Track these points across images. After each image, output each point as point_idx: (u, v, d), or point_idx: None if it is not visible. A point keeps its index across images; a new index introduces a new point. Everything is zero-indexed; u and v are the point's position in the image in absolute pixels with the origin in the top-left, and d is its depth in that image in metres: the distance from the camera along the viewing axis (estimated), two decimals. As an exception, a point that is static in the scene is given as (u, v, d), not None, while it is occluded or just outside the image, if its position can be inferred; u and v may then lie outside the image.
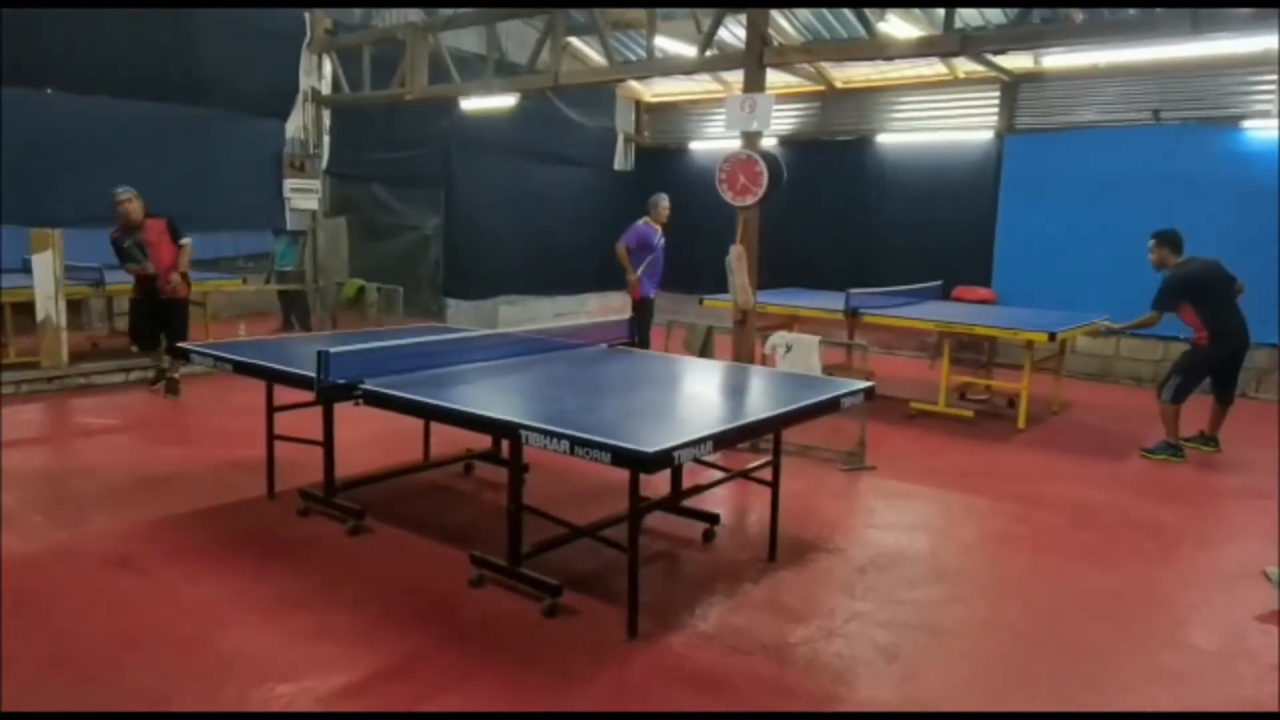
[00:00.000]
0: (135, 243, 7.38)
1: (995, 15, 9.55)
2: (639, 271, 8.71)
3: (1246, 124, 9.26)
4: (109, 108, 8.35)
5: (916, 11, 9.44)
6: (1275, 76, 9.14)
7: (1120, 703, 3.23)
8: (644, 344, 8.47)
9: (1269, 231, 8.82)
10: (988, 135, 10.94)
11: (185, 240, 7.57)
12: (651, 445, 3.12)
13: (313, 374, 4.09)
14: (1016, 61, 10.30)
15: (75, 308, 8.92)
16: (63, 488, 5.31)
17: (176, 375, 7.68)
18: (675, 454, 3.15)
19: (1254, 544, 4.97)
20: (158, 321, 7.64)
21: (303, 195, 9.89)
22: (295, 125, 10.00)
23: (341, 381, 4.11)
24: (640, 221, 8.86)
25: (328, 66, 10.12)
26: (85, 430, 6.80)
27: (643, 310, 8.73)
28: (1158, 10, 8.50)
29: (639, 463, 3.12)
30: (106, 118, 8.35)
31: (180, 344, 5.57)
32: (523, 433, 3.37)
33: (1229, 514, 5.63)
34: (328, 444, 4.77)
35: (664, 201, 8.89)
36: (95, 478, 5.41)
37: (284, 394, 4.77)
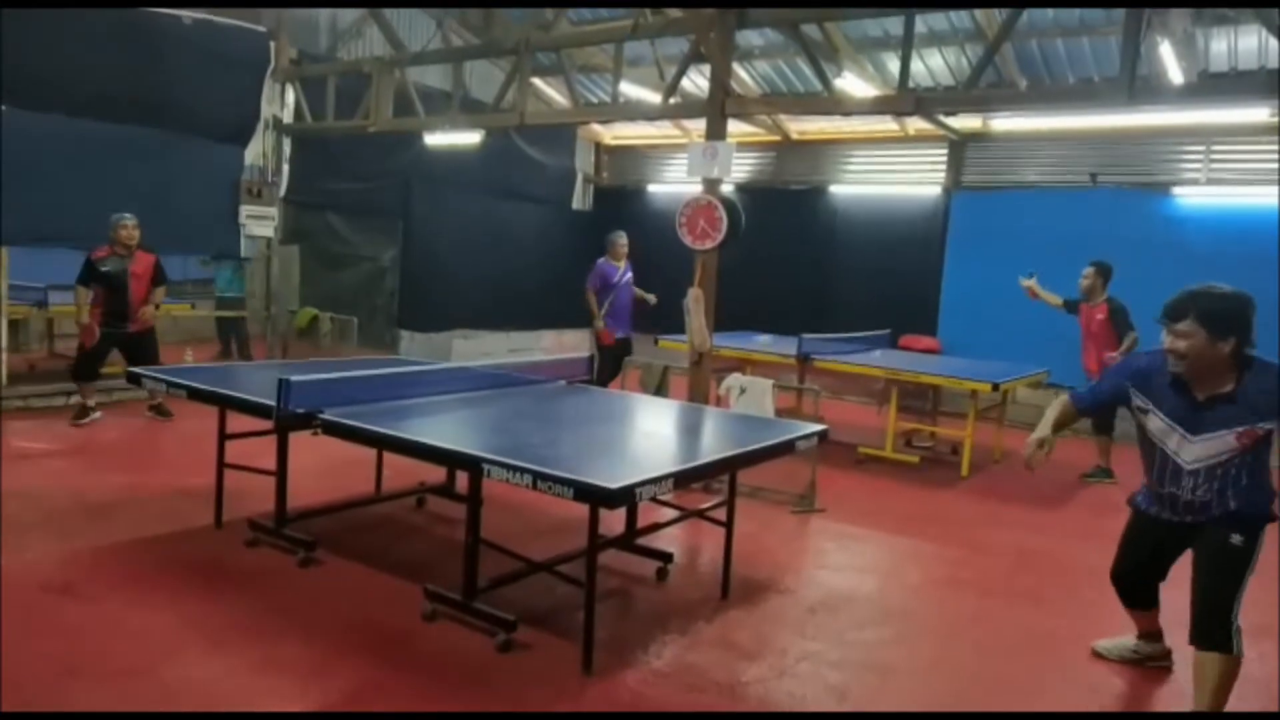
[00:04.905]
0: (118, 270, 7.30)
1: (945, 76, 9.97)
2: (602, 312, 8.76)
3: (1177, 190, 9.75)
4: (64, 125, 8.20)
5: (871, 70, 9.84)
6: (1203, 147, 9.68)
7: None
8: (601, 383, 8.51)
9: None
10: (935, 190, 11.32)
11: (164, 286, 7.74)
12: (614, 481, 3.18)
13: (272, 402, 4.08)
14: (965, 122, 10.74)
15: (13, 328, 8.66)
16: (-1, 513, 5.15)
17: (158, 399, 7.64)
18: (637, 491, 3.22)
19: (1182, 591, 5.16)
20: (125, 354, 7.41)
21: (259, 222, 9.81)
22: (255, 152, 9.94)
23: (300, 410, 4.10)
24: (601, 260, 8.93)
25: (290, 95, 10.12)
26: (23, 454, 6.59)
27: (615, 351, 8.74)
28: (1096, 80, 8.98)
29: (601, 498, 3.17)
30: (61, 136, 8.19)
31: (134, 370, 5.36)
32: (485, 466, 3.40)
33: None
34: (281, 474, 4.72)
35: (620, 238, 8.92)
36: (35, 503, 5.24)
37: (235, 422, 4.72)
